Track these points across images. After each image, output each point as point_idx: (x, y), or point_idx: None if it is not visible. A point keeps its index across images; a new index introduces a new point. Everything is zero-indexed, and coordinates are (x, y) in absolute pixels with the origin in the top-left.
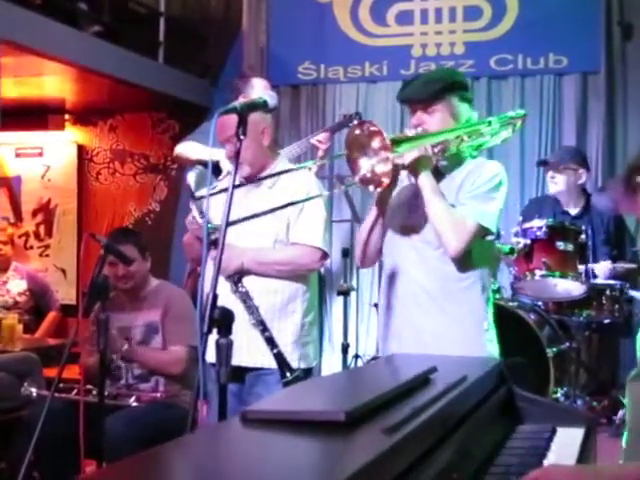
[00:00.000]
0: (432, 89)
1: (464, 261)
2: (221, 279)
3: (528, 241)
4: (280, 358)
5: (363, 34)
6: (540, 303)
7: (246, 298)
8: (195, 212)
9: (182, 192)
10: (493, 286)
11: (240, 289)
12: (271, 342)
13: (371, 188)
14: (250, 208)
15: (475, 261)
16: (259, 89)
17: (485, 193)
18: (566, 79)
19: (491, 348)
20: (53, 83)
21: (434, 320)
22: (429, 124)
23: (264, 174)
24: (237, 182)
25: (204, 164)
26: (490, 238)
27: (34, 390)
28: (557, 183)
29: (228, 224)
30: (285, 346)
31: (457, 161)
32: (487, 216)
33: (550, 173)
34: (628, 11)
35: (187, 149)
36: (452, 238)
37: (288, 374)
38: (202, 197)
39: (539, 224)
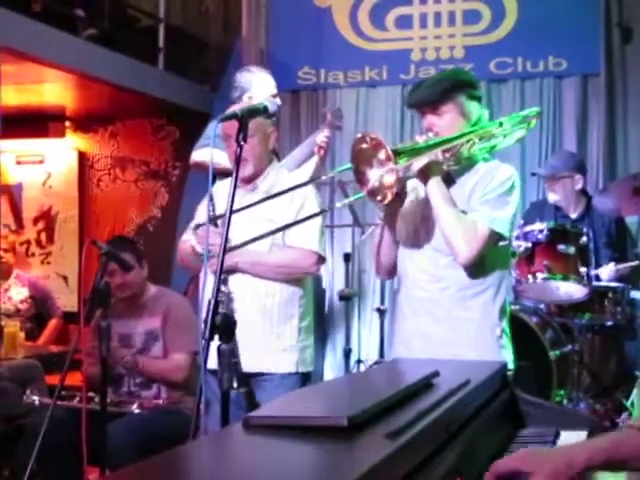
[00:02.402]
0: (438, 90)
1: (476, 268)
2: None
3: (529, 244)
4: (236, 368)
5: (362, 39)
6: (542, 306)
7: (225, 299)
8: (194, 241)
9: (183, 198)
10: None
11: (222, 289)
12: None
13: (378, 199)
14: (245, 213)
15: (488, 267)
16: (264, 85)
17: (498, 197)
18: (566, 82)
19: (505, 355)
20: (53, 90)
21: (445, 327)
22: (440, 126)
23: (260, 179)
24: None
25: (225, 173)
26: (504, 243)
27: (36, 398)
28: (554, 191)
29: (229, 227)
30: (284, 350)
31: (469, 165)
32: (500, 221)
33: (545, 185)
34: (627, 13)
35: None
36: (463, 246)
37: (235, 384)
38: (200, 225)
39: (540, 227)
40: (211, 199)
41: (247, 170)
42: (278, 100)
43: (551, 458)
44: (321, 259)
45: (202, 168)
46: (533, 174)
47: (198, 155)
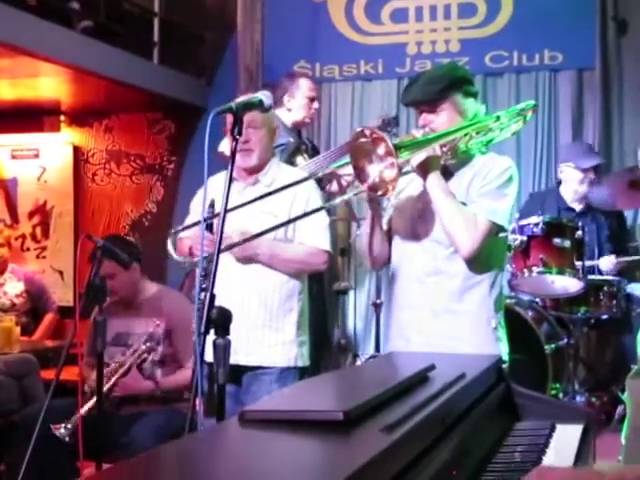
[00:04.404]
0: (435, 89)
1: (475, 260)
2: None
3: (525, 238)
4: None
5: (358, 32)
6: (538, 300)
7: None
8: (170, 247)
9: (179, 192)
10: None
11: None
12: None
13: (380, 194)
14: (247, 206)
15: (485, 259)
16: (304, 89)
17: (496, 189)
18: (561, 75)
19: (500, 347)
20: (48, 84)
21: (442, 319)
22: (436, 124)
23: (262, 173)
24: (235, 175)
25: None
26: (503, 235)
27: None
28: (584, 184)
29: (225, 219)
30: (283, 344)
31: (466, 158)
32: (499, 213)
33: (588, 179)
34: (622, 7)
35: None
36: (465, 239)
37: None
38: (177, 231)
39: (536, 221)
40: (212, 205)
41: (252, 160)
42: (316, 104)
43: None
44: (330, 257)
45: (223, 158)
46: (596, 166)
47: (220, 146)
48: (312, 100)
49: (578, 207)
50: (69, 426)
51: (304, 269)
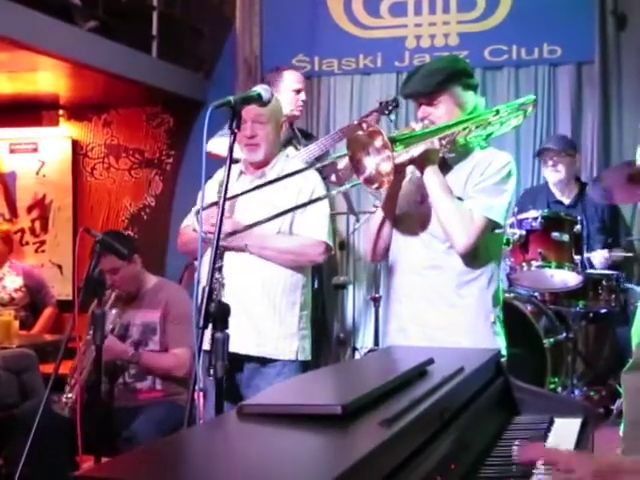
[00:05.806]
0: (434, 81)
1: (472, 255)
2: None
3: (523, 232)
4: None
5: (357, 26)
6: (537, 294)
7: (218, 286)
8: (196, 224)
9: (178, 186)
10: None
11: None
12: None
13: (375, 186)
14: (253, 199)
15: (482, 254)
16: (288, 82)
17: (494, 185)
18: (560, 69)
19: (498, 341)
20: (47, 78)
21: (440, 313)
22: (435, 116)
23: (269, 167)
24: (242, 169)
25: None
26: (499, 231)
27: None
28: (560, 171)
29: (223, 213)
30: (285, 337)
31: (465, 152)
32: (496, 210)
33: (551, 162)
34: (622, 1)
35: (221, 147)
36: (461, 235)
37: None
38: (205, 208)
39: (534, 215)
40: (224, 185)
41: (258, 155)
42: (302, 96)
43: (597, 460)
44: (328, 248)
45: (211, 157)
46: (542, 150)
47: (209, 145)
48: (298, 92)
49: (567, 200)
50: (70, 395)
51: (299, 260)
